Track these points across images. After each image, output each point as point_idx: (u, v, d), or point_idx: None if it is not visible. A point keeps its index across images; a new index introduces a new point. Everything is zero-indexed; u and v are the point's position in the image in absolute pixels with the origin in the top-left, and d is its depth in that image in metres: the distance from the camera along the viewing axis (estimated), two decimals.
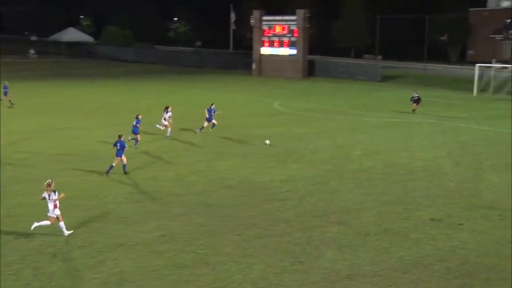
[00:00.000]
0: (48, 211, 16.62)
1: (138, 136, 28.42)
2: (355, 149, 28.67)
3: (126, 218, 18.36)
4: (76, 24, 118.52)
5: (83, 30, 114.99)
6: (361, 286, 13.97)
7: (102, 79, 65.18)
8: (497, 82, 52.11)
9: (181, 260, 15.33)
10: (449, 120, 36.65)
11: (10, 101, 41.50)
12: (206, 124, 32.50)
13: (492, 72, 53.23)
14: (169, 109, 31.09)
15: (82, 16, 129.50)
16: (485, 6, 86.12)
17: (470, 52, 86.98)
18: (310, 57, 71.78)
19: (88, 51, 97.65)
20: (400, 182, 22.69)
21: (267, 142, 29.61)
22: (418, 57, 77.95)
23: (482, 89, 51.70)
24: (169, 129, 31.17)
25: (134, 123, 28.13)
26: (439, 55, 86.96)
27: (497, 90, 51.00)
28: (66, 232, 16.74)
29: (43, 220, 16.72)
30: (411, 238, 16.81)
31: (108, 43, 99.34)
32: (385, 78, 63.21)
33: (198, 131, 32.56)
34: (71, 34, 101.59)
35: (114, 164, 23.11)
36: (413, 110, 39.45)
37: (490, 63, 56.55)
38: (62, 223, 16.66)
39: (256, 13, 71.43)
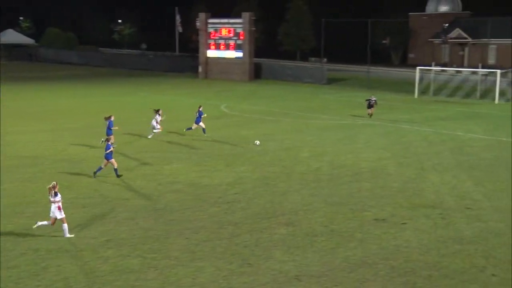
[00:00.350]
0: (50, 212, 16.84)
1: (112, 137, 27.89)
2: (303, 151, 28.97)
3: (71, 224, 17.98)
4: (15, 25, 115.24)
5: (23, 31, 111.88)
6: (309, 287, 14.13)
7: (45, 82, 63.65)
8: (436, 84, 53.80)
9: (128, 265, 15.14)
10: (392, 122, 37.54)
11: None
12: (194, 126, 32.36)
13: (431, 75, 54.89)
14: (160, 112, 31.24)
15: (21, 18, 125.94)
16: (424, 11, 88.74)
17: (411, 55, 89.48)
18: (257, 60, 72.19)
19: (28, 54, 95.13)
20: (346, 183, 23.08)
21: (257, 142, 29.81)
22: (362, 60, 79.55)
23: (423, 92, 53.24)
24: (155, 132, 31.27)
25: (107, 124, 28.21)
26: (381, 58, 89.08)
27: (437, 92, 52.64)
28: (68, 235, 16.94)
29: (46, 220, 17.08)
30: (357, 238, 17.12)
31: (50, 45, 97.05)
32: (331, 81, 64.21)
33: (185, 130, 32.64)
34: (10, 36, 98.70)
35: (103, 166, 23.38)
36: (369, 115, 38.99)
37: (430, 66, 58.20)
38: (65, 225, 16.97)
39: (201, 15, 71.35)
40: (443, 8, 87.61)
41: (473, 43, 79.27)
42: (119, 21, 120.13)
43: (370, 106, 38.84)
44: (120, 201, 20.55)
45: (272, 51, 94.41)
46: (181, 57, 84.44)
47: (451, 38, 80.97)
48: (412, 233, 17.54)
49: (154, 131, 31.55)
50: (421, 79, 54.50)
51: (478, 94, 50.76)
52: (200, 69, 71.39)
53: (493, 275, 14.69)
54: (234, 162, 26.59)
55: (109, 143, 23.44)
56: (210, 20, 70.60)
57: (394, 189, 22.23)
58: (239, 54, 68.44)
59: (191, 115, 41.28)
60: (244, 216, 19.07)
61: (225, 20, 70.28)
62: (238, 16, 71.52)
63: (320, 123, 37.42)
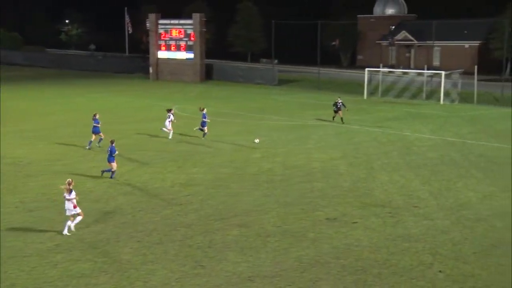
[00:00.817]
0: (65, 210, 17.33)
1: (101, 134, 29.04)
2: (255, 152, 29.05)
3: (18, 229, 17.53)
4: None
5: None
6: (262, 287, 14.20)
7: None
8: (384, 85, 54.89)
9: (78, 270, 14.87)
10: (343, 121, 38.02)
11: None
12: (205, 129, 31.82)
13: (380, 76, 55.99)
14: (172, 112, 31.19)
15: None
16: (372, 13, 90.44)
17: (360, 57, 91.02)
18: (208, 61, 71.98)
19: None
20: (298, 184, 23.27)
21: (257, 140, 30.08)
22: (312, 62, 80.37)
23: (372, 93, 54.22)
24: (171, 132, 31.30)
25: (94, 123, 28.90)
26: (331, 59, 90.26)
27: (385, 93, 53.72)
28: (66, 232, 17.31)
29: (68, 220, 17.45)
30: (309, 238, 17.29)
31: None
32: (282, 82, 64.65)
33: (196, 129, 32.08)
34: None
35: (113, 169, 23.63)
36: (334, 118, 37.97)
37: (378, 67, 59.37)
38: (72, 223, 17.42)
39: (151, 16, 70.69)
40: (390, 11, 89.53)
41: (419, 45, 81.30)
42: (67, 21, 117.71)
43: (337, 109, 37.60)
44: None
45: (223, 52, 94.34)
46: (131, 58, 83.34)
47: (397, 40, 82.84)
48: (363, 232, 17.85)
49: (164, 129, 31.74)
50: (369, 81, 55.50)
51: (424, 95, 52.06)
52: (151, 70, 70.72)
53: (440, 271, 15.09)
54: (186, 164, 26.45)
55: (113, 145, 23.61)
56: (161, 21, 70.04)
57: (345, 189, 22.56)
58: (190, 55, 68.14)
59: (142, 116, 40.97)
60: (197, 217, 18.99)
61: (176, 21, 69.86)
62: (188, 17, 71.18)
63: (272, 124, 37.62)
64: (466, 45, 78.36)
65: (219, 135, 33.67)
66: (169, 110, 32.05)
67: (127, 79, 70.40)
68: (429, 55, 75.83)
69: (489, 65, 69.83)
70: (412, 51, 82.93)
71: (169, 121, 31.74)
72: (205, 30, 69.27)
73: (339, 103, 37.79)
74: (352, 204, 20.58)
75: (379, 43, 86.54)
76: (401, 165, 26.44)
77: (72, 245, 16.48)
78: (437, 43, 71.55)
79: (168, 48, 69.66)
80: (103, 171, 23.98)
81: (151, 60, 71.05)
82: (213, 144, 31.00)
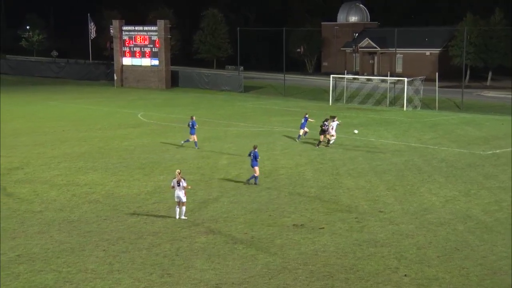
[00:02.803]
0: (177, 197, 19.33)
1: (195, 137, 30.71)
2: (221, 159, 29.04)
3: None
4: None
5: None
6: None
7: None
8: (349, 92, 55.54)
9: (41, 280, 14.60)
10: (308, 128, 38.19)
11: None
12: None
13: (344, 83, 56.64)
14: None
15: None
16: (335, 21, 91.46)
17: (325, 63, 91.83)
18: (173, 67, 71.66)
19: None
20: (265, 190, 23.31)
21: (356, 131, 33.62)
22: (277, 68, 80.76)
23: (337, 99, 54.78)
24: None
25: (190, 124, 30.65)
26: (296, 66, 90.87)
27: (350, 99, 54.34)
28: (183, 217, 19.50)
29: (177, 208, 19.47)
30: (276, 244, 17.32)
31: None
32: (248, 89, 64.77)
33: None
34: None
35: (256, 174, 23.84)
36: (320, 142, 32.26)
37: (343, 74, 60.06)
38: (184, 208, 19.72)
39: (115, 23, 70.07)
40: (353, 18, 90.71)
41: (382, 52, 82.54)
42: (27, 27, 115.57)
43: (322, 131, 32.12)
44: (31, 214, 19.82)
45: (188, 59, 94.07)
46: (95, 65, 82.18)
47: (361, 48, 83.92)
48: (330, 237, 17.97)
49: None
50: (334, 87, 56.09)
51: (387, 101, 52.82)
52: (115, 77, 70.03)
53: (405, 275, 15.31)
54: (153, 171, 26.27)
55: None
56: (125, 28, 69.48)
57: (311, 195, 22.69)
58: (155, 61, 67.74)
59: (106, 123, 40.52)
60: (164, 225, 18.87)
61: (140, 28, 69.38)
62: (153, 23, 70.77)
63: (238, 131, 37.65)
64: (427, 53, 79.92)
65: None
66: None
67: (90, 86, 69.53)
68: (392, 62, 77.17)
69: (449, 72, 71.36)
70: (376, 58, 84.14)
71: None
72: (170, 36, 69.00)
73: (326, 125, 32.21)
74: (319, 210, 20.69)
75: (343, 50, 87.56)
76: (366, 171, 26.75)
77: (34, 256, 16.18)
78: (399, 50, 72.80)
79: (132, 54, 69.13)
80: (248, 180, 23.95)
81: (116, 67, 70.40)
82: (180, 151, 30.86)
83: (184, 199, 19.50)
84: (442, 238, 17.90)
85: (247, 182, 24.08)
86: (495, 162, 28.68)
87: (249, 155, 24.18)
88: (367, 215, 20.14)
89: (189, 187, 19.97)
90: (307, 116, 34.50)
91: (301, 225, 19.04)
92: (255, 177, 23.89)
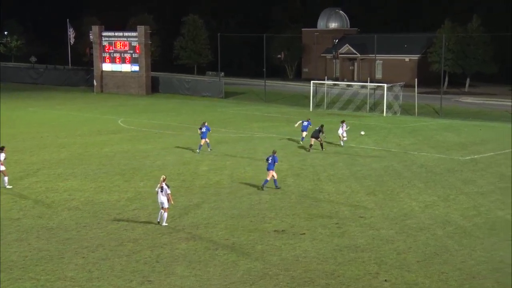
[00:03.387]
0: (161, 203, 19.28)
1: (207, 140, 31.52)
2: (202, 165, 28.96)
3: None
4: None
5: None
6: None
7: None
8: (329, 98, 55.83)
9: None
10: (289, 134, 38.40)
11: None
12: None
13: (325, 89, 56.91)
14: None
15: None
16: (316, 27, 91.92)
17: (305, 69, 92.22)
18: (154, 73, 71.42)
19: None
20: (246, 196, 23.31)
21: (362, 132, 35.21)
22: (258, 74, 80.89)
23: (317, 105, 55.00)
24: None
25: (204, 129, 31.22)
26: (277, 72, 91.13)
27: (330, 105, 54.62)
28: (164, 223, 19.45)
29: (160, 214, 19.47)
30: (257, 250, 17.31)
31: None
32: (228, 95, 64.75)
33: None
34: None
35: (268, 178, 24.19)
36: (311, 146, 32.87)
37: (323, 80, 60.32)
38: (166, 214, 19.61)
39: (95, 28, 69.65)
40: (333, 25, 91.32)
41: (362, 59, 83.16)
42: (5, 32, 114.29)
43: (317, 135, 32.52)
44: (9, 222, 19.56)
45: (169, 65, 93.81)
46: (74, 71, 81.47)
47: (341, 54, 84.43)
48: (310, 243, 18.00)
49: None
50: (315, 93, 56.31)
51: (368, 107, 53.19)
52: (95, 83, 69.55)
53: (385, 280, 15.39)
54: (133, 178, 26.12)
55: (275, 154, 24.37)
56: (104, 33, 69.08)
57: (292, 201, 22.73)
58: (136, 67, 67.44)
59: (87, 129, 40.20)
60: (144, 232, 18.75)
61: (120, 34, 69.04)
62: (133, 29, 70.50)
63: (219, 137, 37.57)
64: (406, 59, 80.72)
65: (166, 148, 33.41)
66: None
67: (70, 92, 68.97)
68: (372, 68, 77.77)
69: (428, 78, 72.16)
70: (356, 64, 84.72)
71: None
72: (150, 42, 68.78)
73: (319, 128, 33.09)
74: (300, 215, 20.72)
75: (324, 56, 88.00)
76: (347, 176, 26.88)
77: (12, 264, 15.97)
78: (379, 56, 73.32)
79: (112, 60, 68.74)
80: (264, 184, 24.27)
81: (95, 72, 69.93)
82: (161, 157, 30.73)
83: (166, 205, 19.45)
84: (421, 243, 18.04)
85: (262, 187, 24.30)
86: (473, 167, 29.02)
87: (267, 159, 24.42)
88: (348, 220, 20.22)
89: (172, 202, 19.65)
90: (309, 120, 35.58)
91: (282, 230, 19.04)
92: (274, 181, 24.35)
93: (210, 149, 32.14)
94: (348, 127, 34.85)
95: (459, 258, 16.94)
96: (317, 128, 33.16)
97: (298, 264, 16.39)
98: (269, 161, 24.23)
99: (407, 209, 21.61)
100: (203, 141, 31.76)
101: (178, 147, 33.78)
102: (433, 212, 21.26)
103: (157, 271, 15.69)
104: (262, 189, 24.07)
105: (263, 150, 32.98)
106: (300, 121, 35.22)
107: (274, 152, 24.52)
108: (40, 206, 21.54)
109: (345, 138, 34.27)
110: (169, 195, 19.45)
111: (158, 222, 19.56)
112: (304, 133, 34.65)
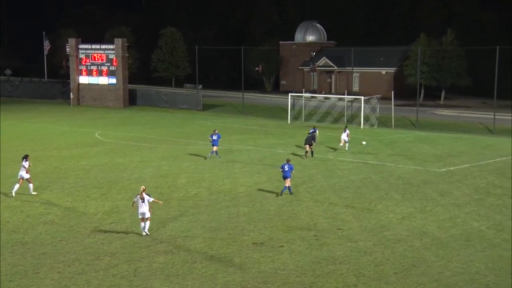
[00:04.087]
0: (142, 213, 19.37)
1: (216, 147, 33.30)
2: (180, 177, 28.83)
3: None
4: None
5: None
6: None
7: None
8: (307, 110, 56.06)
9: None
10: (267, 146, 38.45)
11: None
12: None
13: (303, 101, 57.15)
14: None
15: None
16: (293, 40, 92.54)
17: (283, 82, 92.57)
18: (131, 86, 71.07)
19: None
20: (224, 208, 23.24)
21: (364, 142, 36.98)
22: (236, 87, 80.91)
23: (295, 117, 55.19)
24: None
25: (215, 137, 33.04)
26: (255, 84, 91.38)
27: (308, 118, 54.84)
28: (146, 232, 19.59)
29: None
30: (236, 263, 17.24)
31: None
32: (206, 107, 64.68)
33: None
34: None
35: (287, 185, 25.13)
36: (306, 153, 34.31)
37: (301, 92, 60.56)
38: (148, 223, 19.80)
39: (71, 41, 69.20)
40: (310, 38, 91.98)
41: (339, 71, 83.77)
42: None
43: (308, 142, 34.12)
44: None
45: (147, 77, 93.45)
46: (50, 83, 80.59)
47: (318, 66, 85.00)
48: (289, 255, 17.98)
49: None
50: (293, 105, 56.52)
51: (345, 119, 53.49)
52: (71, 95, 68.92)
53: None
54: (110, 191, 25.90)
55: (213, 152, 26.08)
56: (81, 46, 68.62)
57: (271, 213, 22.70)
58: (113, 80, 67.04)
59: (63, 142, 39.79)
60: (121, 245, 18.59)
61: (97, 46, 68.68)
62: (110, 42, 70.14)
63: (197, 149, 37.46)
64: (383, 72, 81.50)
65: (144, 161, 33.21)
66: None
67: (46, 104, 68.25)
68: (349, 80, 78.24)
69: (404, 91, 72.93)
70: (333, 76, 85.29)
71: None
72: (127, 55, 68.50)
73: (310, 133, 35.49)
74: (278, 228, 20.70)
75: (301, 68, 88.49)
76: (325, 188, 26.95)
77: None
78: (356, 69, 73.90)
79: (89, 73, 68.25)
80: (282, 192, 25.26)
81: (72, 85, 69.32)
82: (138, 170, 30.53)
83: (148, 214, 19.58)
84: (399, 254, 18.12)
85: (281, 194, 25.28)
86: (449, 179, 29.28)
87: (282, 167, 25.35)
88: (326, 232, 20.24)
89: (161, 202, 20.54)
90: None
91: (261, 243, 18.99)
92: (288, 187, 25.27)
93: (219, 156, 33.64)
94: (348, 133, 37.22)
95: (436, 269, 17.04)
96: (310, 134, 35.53)
97: (276, 276, 16.35)
98: (286, 169, 25.17)
99: (385, 221, 21.71)
100: (215, 148, 33.41)
101: (156, 159, 33.58)
102: (410, 224, 21.37)
103: (134, 285, 15.54)
104: (281, 195, 25.17)
105: (241, 162, 32.99)
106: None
107: (288, 161, 25.72)
108: (15, 220, 21.22)
109: (347, 143, 36.91)
110: (154, 200, 19.84)
111: (146, 234, 19.61)
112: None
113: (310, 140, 34.29)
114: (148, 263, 17.06)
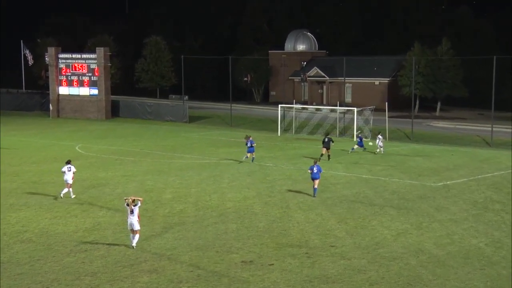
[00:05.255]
0: (130, 224, 19.43)
1: (253, 154, 35.64)
2: (165, 193, 28.04)
3: None
4: None
5: None
6: None
7: None
8: (298, 122, 55.24)
9: None
10: (256, 160, 37.65)
11: None
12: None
13: (293, 113, 56.24)
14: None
15: None
16: (283, 49, 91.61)
17: (272, 93, 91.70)
18: (114, 97, 70.06)
19: None
20: (211, 225, 22.50)
21: (370, 143, 39.25)
22: (223, 98, 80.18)
23: (285, 129, 54.37)
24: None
25: (249, 144, 35.13)
26: (243, 95, 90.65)
27: (299, 130, 54.01)
28: (134, 244, 19.52)
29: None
30: (224, 283, 16.57)
31: None
32: (193, 119, 63.87)
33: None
34: None
35: (315, 186, 26.81)
36: (321, 155, 36.87)
37: (292, 103, 59.66)
38: (138, 236, 19.75)
39: (51, 50, 67.96)
40: (301, 47, 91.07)
41: (331, 82, 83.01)
42: None
43: (327, 145, 37.25)
44: None
45: (130, 88, 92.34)
46: (28, 95, 78.87)
47: (309, 77, 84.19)
48: (280, 274, 17.34)
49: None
50: (283, 117, 55.68)
51: (337, 131, 52.75)
52: (51, 107, 67.61)
53: None
54: (91, 207, 25.04)
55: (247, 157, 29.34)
56: (61, 55, 67.37)
57: (260, 229, 21.98)
58: (94, 91, 65.91)
59: (42, 156, 38.73)
60: (103, 264, 17.95)
61: (78, 55, 67.40)
62: (92, 51, 69.12)
63: (183, 163, 36.65)
64: (376, 82, 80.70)
65: (127, 175, 32.34)
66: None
67: (24, 117, 66.91)
68: (341, 91, 77.28)
69: (399, 102, 71.82)
70: (324, 87, 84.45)
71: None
72: (110, 65, 67.52)
73: (327, 138, 38.42)
74: (268, 245, 20.07)
75: (292, 79, 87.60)
76: (316, 204, 26.18)
77: None
78: (348, 79, 73.08)
79: (70, 83, 67.03)
80: (314, 195, 26.72)
81: (51, 96, 67.97)
82: (121, 185, 29.65)
83: (137, 227, 19.48)
84: (394, 273, 17.53)
85: (314, 196, 26.81)
86: (446, 194, 28.62)
87: (311, 169, 26.79)
88: (318, 249, 19.59)
89: (141, 199, 20.37)
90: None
91: (250, 261, 18.37)
92: (316, 189, 26.87)
93: (253, 161, 35.88)
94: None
95: None
96: (326, 139, 37.74)
97: None
98: (315, 171, 26.52)
99: (379, 238, 21.06)
100: (249, 154, 35.66)
101: (140, 174, 32.69)
102: (406, 241, 20.75)
103: None
104: (314, 197, 26.67)
105: (229, 177, 32.17)
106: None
107: (315, 162, 27.09)
108: None
109: (382, 148, 40.42)
110: (138, 198, 20.09)
111: (133, 247, 19.50)
112: (356, 146, 40.62)
113: (329, 143, 37.16)
114: (132, 283, 16.43)
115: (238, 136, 51.06)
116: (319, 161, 32.77)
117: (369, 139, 44.36)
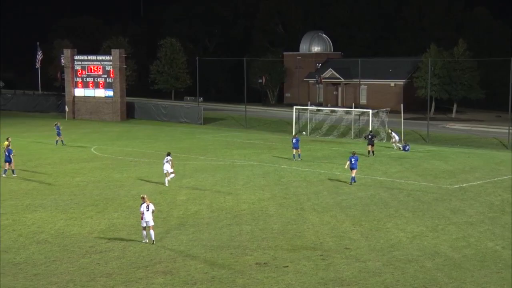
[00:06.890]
0: (146, 221, 19.93)
1: (299, 150, 37.65)
2: (180, 194, 28.05)
3: None
4: None
5: None
6: None
7: None
8: (313, 124, 55.03)
9: None
10: (271, 161, 37.64)
11: (62, 141, 44.62)
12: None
13: (308, 115, 56.03)
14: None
15: None
16: (298, 51, 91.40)
17: (287, 94, 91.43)
18: (129, 98, 70.26)
19: None
20: (226, 227, 22.47)
21: (304, 133, 39.64)
22: (238, 99, 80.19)
23: (300, 131, 54.12)
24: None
25: (294, 140, 37.42)
26: (258, 97, 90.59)
27: (313, 131, 53.79)
28: (153, 239, 20.11)
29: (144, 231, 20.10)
30: (238, 284, 16.53)
31: None
32: (207, 121, 63.92)
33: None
34: None
35: (353, 175, 29.46)
36: (369, 152, 40.25)
37: (306, 105, 59.41)
38: (153, 231, 20.29)
39: (67, 52, 68.22)
40: (316, 49, 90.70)
41: (346, 83, 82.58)
42: None
43: (371, 142, 40.06)
44: None
45: (145, 90, 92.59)
46: (44, 96, 79.30)
47: (324, 78, 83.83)
48: (294, 276, 17.27)
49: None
50: (298, 119, 55.50)
51: (352, 133, 52.52)
52: (66, 109, 67.95)
53: None
54: (106, 208, 25.11)
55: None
56: (77, 57, 67.64)
57: (275, 231, 21.91)
58: (110, 92, 66.17)
59: (57, 158, 38.94)
60: (118, 266, 17.98)
61: (93, 57, 67.65)
62: (107, 53, 69.39)
63: (198, 164, 36.66)
64: (392, 84, 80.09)
65: (142, 177, 32.40)
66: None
67: (40, 118, 67.28)
68: (356, 93, 76.94)
69: (414, 104, 71.28)
70: (339, 89, 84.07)
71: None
72: (125, 66, 67.70)
73: (370, 135, 40.82)
74: (283, 247, 20.00)
75: (306, 80, 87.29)
76: (331, 206, 26.09)
77: None
78: (363, 81, 72.69)
79: (85, 85, 67.33)
80: (351, 183, 29.60)
81: (67, 98, 68.29)
82: (136, 186, 29.72)
83: (152, 222, 20.06)
84: (410, 276, 17.40)
85: (350, 183, 29.58)
86: (462, 196, 28.37)
87: (350, 159, 29.63)
88: (333, 252, 19.50)
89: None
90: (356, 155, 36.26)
91: (264, 263, 18.30)
92: (353, 177, 29.38)
93: (301, 159, 37.44)
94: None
95: None
96: (369, 135, 40.46)
97: None
98: (353, 161, 28.89)
99: (395, 240, 20.91)
100: (294, 151, 37.38)
101: (155, 175, 32.73)
102: (422, 243, 20.60)
103: None
104: (351, 184, 29.27)
105: (244, 179, 32.14)
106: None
107: (353, 153, 29.65)
108: (6, 240, 20.43)
109: (398, 143, 42.90)
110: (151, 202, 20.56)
111: (148, 242, 20.05)
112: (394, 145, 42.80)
113: (372, 140, 39.58)
114: (146, 284, 16.44)
115: (253, 138, 51.04)
116: (368, 156, 38.16)
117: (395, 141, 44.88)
